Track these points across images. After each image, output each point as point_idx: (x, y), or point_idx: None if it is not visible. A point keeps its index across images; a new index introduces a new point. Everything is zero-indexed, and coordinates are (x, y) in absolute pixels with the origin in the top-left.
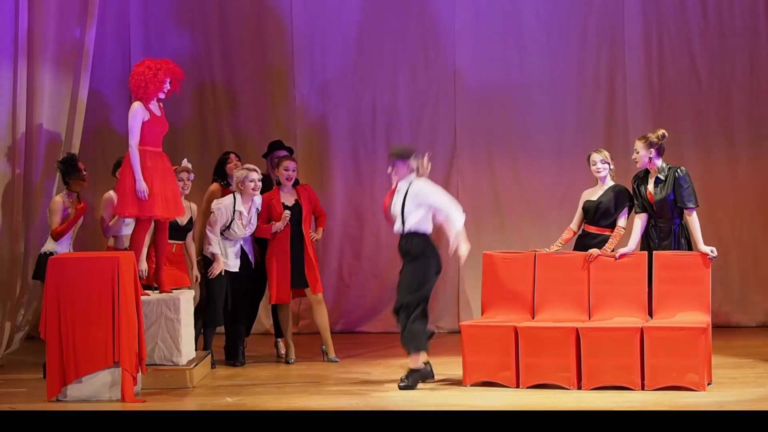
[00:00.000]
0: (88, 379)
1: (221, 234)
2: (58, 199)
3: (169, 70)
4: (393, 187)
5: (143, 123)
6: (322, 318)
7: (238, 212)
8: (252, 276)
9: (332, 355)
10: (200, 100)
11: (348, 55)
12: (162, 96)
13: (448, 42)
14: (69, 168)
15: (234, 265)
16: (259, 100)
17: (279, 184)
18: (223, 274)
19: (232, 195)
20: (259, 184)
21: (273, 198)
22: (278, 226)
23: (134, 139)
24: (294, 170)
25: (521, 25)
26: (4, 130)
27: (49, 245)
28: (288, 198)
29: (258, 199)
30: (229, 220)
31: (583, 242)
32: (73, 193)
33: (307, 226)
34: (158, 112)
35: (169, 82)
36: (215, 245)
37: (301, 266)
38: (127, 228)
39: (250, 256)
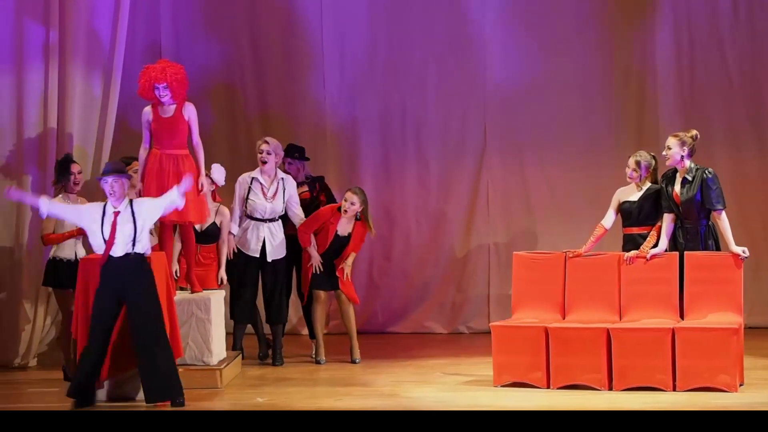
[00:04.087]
0: (119, 379)
1: (250, 216)
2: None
3: (155, 74)
4: None
5: (150, 125)
6: (350, 320)
7: (256, 180)
8: (286, 272)
9: (356, 356)
10: (231, 102)
11: (377, 56)
12: (164, 100)
13: (478, 42)
14: (60, 169)
15: (254, 250)
16: (289, 102)
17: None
18: (239, 261)
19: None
20: (267, 156)
21: (332, 222)
22: (313, 260)
23: (143, 142)
24: (352, 203)
25: (550, 24)
26: (34, 131)
27: (53, 250)
28: (344, 228)
29: (291, 184)
30: (246, 191)
31: (636, 243)
32: (71, 194)
33: (348, 252)
34: (166, 114)
35: (164, 86)
36: (233, 224)
37: (333, 269)
38: None
39: (269, 246)
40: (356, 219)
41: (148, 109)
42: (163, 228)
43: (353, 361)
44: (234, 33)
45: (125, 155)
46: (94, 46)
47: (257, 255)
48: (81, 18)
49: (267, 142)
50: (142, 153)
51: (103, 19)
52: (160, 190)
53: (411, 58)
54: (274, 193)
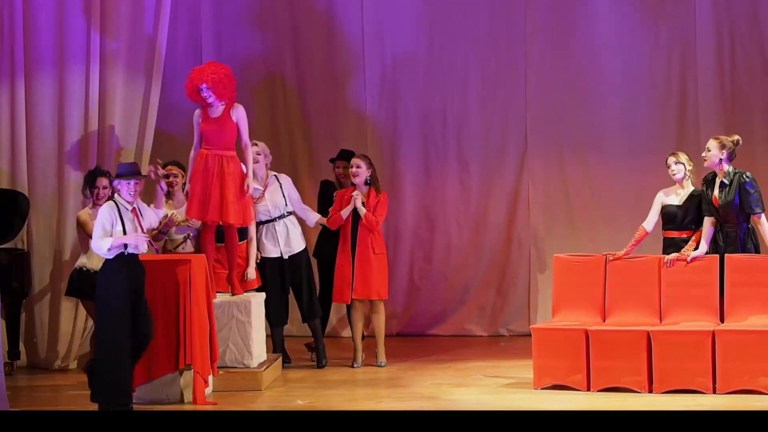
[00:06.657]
0: (159, 381)
1: (261, 222)
2: (85, 212)
3: (194, 75)
4: None
5: (199, 125)
6: (379, 320)
7: (253, 187)
8: (308, 266)
9: (381, 359)
10: (271, 104)
11: (418, 58)
12: (209, 101)
13: (519, 43)
14: (87, 180)
15: (271, 250)
16: (329, 103)
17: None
18: (263, 266)
19: None
20: (257, 156)
21: (348, 195)
22: (346, 210)
23: (194, 144)
24: (358, 167)
25: (592, 26)
26: (76, 133)
27: (82, 260)
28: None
29: (285, 178)
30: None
31: (678, 247)
32: (98, 206)
33: (365, 231)
34: (214, 114)
35: (206, 87)
36: (251, 229)
37: (362, 271)
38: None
39: (281, 243)
40: (366, 184)
41: (198, 110)
42: (206, 230)
43: (378, 365)
44: (275, 35)
45: (164, 157)
46: (136, 48)
47: (277, 255)
48: (122, 19)
49: (256, 144)
50: (192, 155)
51: (145, 21)
52: (204, 190)
53: (452, 60)
54: (264, 190)
